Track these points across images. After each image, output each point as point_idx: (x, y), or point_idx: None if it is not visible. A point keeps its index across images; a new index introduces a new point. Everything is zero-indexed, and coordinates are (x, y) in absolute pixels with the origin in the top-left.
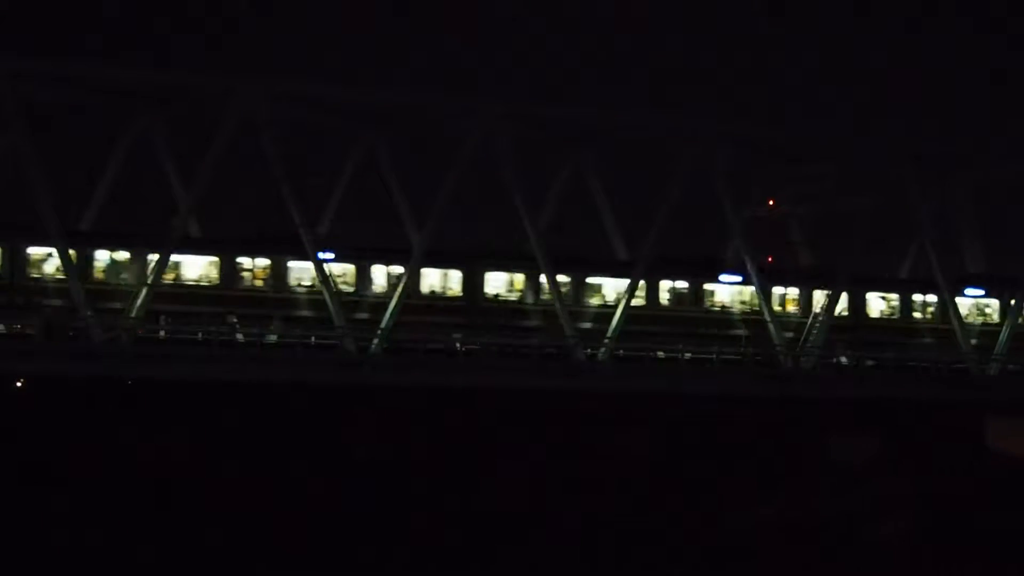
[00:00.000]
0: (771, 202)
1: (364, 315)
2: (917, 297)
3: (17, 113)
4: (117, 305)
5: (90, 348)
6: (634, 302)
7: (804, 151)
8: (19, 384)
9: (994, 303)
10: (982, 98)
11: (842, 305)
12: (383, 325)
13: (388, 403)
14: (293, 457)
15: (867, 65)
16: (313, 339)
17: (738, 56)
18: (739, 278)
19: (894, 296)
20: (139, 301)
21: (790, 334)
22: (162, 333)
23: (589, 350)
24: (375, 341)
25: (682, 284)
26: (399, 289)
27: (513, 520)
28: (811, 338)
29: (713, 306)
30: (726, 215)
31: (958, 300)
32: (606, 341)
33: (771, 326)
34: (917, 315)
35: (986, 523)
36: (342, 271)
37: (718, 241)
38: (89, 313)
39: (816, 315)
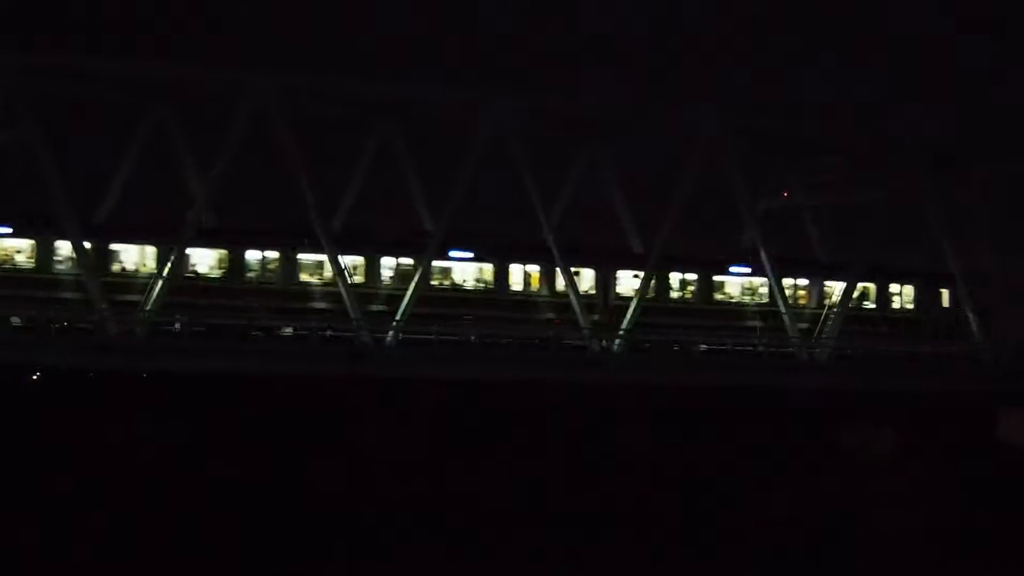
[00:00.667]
0: (785, 194)
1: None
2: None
3: (29, 107)
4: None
5: (105, 341)
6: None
7: (814, 144)
8: (35, 377)
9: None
10: (984, 94)
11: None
12: (398, 317)
13: (396, 396)
14: (298, 451)
15: (867, 64)
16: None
17: (739, 46)
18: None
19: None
20: (154, 294)
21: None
22: (176, 326)
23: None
24: (390, 333)
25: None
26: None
27: (518, 516)
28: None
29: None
30: (739, 208)
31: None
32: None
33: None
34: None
35: (997, 517)
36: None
37: (732, 233)
38: (104, 306)
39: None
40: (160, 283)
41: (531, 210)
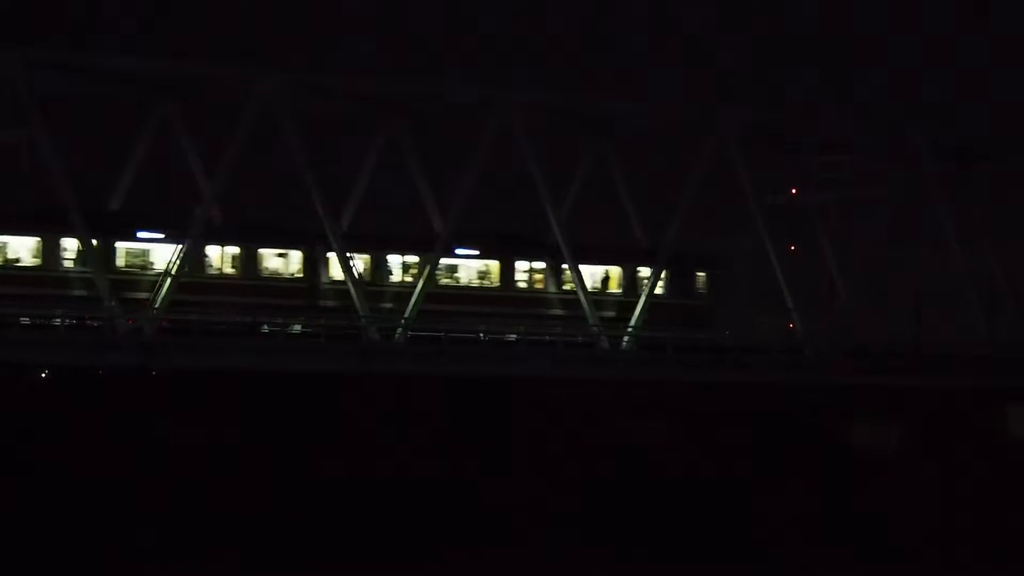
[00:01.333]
0: (793, 191)
1: None
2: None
3: (36, 103)
4: None
5: (113, 338)
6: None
7: (817, 142)
8: (44, 375)
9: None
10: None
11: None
12: (406, 315)
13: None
14: (304, 447)
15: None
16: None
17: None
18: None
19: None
20: (163, 291)
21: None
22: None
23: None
24: (399, 331)
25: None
26: None
27: (523, 513)
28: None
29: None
30: (747, 204)
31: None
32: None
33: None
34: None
35: (1007, 512)
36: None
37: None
38: (112, 303)
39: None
40: (168, 281)
41: (536, 207)
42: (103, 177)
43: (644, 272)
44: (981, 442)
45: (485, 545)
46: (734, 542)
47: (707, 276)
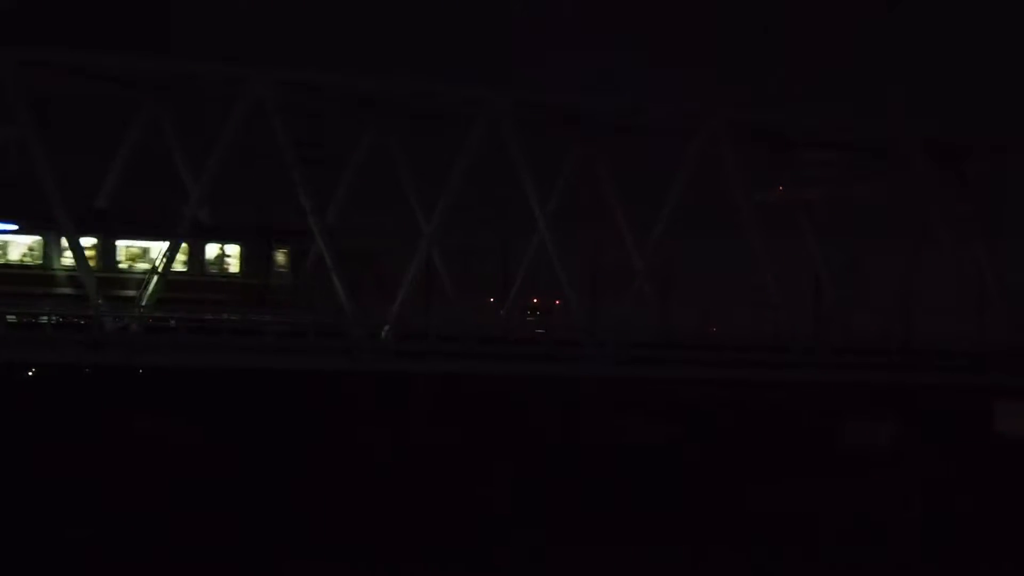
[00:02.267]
0: (780, 188)
1: None
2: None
3: (25, 102)
4: None
5: (99, 336)
6: None
7: (811, 137)
8: (30, 373)
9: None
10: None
11: None
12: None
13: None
14: (291, 447)
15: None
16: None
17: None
18: None
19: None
20: (150, 290)
21: None
22: (172, 322)
23: None
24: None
25: None
26: None
27: (516, 514)
28: None
29: None
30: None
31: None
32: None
33: None
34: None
35: (996, 508)
36: None
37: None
38: (100, 302)
39: None
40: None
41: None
42: (91, 176)
43: (223, 251)
44: (969, 439)
45: None
46: (727, 543)
47: (289, 253)
